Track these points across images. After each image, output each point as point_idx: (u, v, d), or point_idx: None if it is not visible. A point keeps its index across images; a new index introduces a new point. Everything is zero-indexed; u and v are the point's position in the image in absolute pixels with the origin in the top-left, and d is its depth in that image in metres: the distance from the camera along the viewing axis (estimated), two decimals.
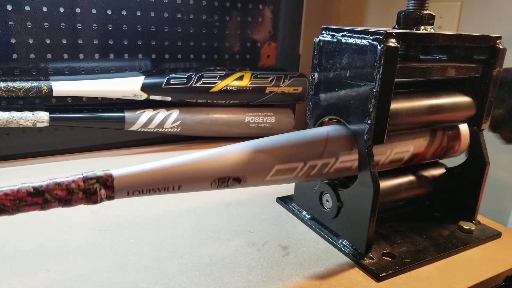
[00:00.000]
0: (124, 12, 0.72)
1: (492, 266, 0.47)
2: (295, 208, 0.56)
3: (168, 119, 0.75)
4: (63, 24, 0.68)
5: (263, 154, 0.41)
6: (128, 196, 0.34)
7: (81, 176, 0.32)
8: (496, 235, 0.52)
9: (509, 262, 0.48)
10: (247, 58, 0.86)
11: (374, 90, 0.41)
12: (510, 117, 0.50)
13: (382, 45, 0.40)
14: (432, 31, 0.48)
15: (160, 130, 0.75)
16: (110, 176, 0.33)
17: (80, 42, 0.70)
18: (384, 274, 0.43)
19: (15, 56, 0.66)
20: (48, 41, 0.67)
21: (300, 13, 0.90)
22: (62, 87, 0.67)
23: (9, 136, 0.68)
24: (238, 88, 0.79)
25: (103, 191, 0.32)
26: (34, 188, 0.30)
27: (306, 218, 0.53)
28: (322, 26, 0.48)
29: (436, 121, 0.51)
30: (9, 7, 0.63)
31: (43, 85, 0.65)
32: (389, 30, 0.42)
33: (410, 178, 0.54)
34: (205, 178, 0.37)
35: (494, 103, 0.52)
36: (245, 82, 0.79)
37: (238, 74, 0.79)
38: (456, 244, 0.50)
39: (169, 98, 0.75)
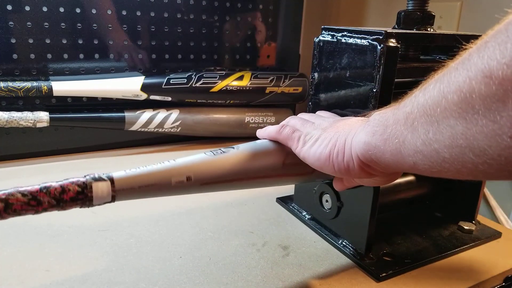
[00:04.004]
0: (124, 12, 0.72)
1: (492, 266, 0.47)
2: (295, 208, 0.56)
3: (168, 119, 0.75)
4: (63, 24, 0.68)
5: (266, 153, 0.41)
6: (129, 198, 0.34)
7: (83, 178, 0.32)
8: (496, 235, 0.52)
9: (509, 262, 0.47)
10: (247, 58, 0.86)
11: (374, 90, 0.41)
12: None
13: (382, 45, 0.40)
14: (432, 31, 0.48)
15: (160, 130, 0.75)
16: (111, 178, 0.33)
17: (80, 42, 0.70)
18: (384, 274, 0.43)
19: (15, 56, 0.66)
20: (48, 41, 0.67)
21: (300, 13, 0.90)
22: (62, 87, 0.67)
23: (9, 136, 0.68)
24: (238, 88, 0.79)
25: (104, 194, 0.32)
26: (30, 192, 0.29)
27: (306, 218, 0.53)
28: (322, 26, 0.48)
29: None
30: (9, 7, 0.63)
31: (43, 85, 0.65)
32: (389, 30, 0.42)
33: (410, 178, 0.54)
34: (210, 176, 0.37)
35: None
36: (245, 82, 0.79)
37: (238, 74, 0.79)
38: (456, 244, 0.50)
39: (169, 98, 0.75)
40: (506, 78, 0.20)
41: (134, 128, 0.73)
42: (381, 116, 0.31)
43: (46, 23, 0.66)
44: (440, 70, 0.26)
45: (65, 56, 0.69)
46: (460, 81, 0.23)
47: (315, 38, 0.49)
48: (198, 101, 0.77)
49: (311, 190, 0.52)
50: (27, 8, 0.64)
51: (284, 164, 0.41)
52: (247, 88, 0.79)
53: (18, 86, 0.64)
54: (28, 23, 0.65)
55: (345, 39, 0.45)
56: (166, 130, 0.76)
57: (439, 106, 0.24)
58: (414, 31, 0.48)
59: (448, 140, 0.24)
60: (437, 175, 0.27)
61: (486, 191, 0.65)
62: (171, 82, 0.74)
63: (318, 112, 0.47)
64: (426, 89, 0.26)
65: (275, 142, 0.42)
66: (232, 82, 0.78)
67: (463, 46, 0.24)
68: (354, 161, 0.34)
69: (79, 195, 0.31)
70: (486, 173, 0.23)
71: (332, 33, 0.47)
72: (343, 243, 0.48)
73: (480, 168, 0.23)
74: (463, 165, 0.24)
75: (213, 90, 0.77)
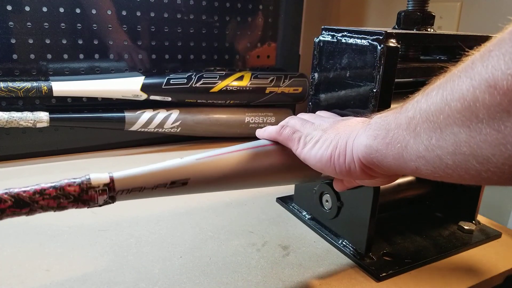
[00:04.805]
0: (124, 12, 0.72)
1: (492, 266, 0.47)
2: (295, 208, 0.56)
3: (168, 119, 0.75)
4: (63, 24, 0.68)
5: (266, 154, 0.41)
6: (130, 198, 0.34)
7: (83, 178, 0.32)
8: (496, 235, 0.52)
9: (509, 262, 0.48)
10: (247, 58, 0.86)
11: (374, 90, 0.41)
12: None
13: (382, 45, 0.40)
14: (432, 31, 0.48)
15: (160, 130, 0.75)
16: (111, 177, 0.33)
17: (80, 42, 0.70)
18: (384, 274, 0.43)
19: (15, 56, 0.66)
20: (48, 41, 0.67)
21: (300, 13, 0.90)
22: (62, 87, 0.67)
23: (9, 136, 0.68)
24: (238, 88, 0.79)
25: (104, 194, 0.32)
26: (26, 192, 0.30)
27: (306, 218, 0.53)
28: (322, 27, 0.48)
29: None
30: (9, 7, 0.63)
31: (43, 85, 0.65)
32: (389, 30, 0.42)
33: (410, 178, 0.54)
34: (210, 176, 0.37)
35: None
36: (245, 82, 0.79)
37: (238, 74, 0.79)
38: (456, 244, 0.50)
39: (169, 98, 0.75)
40: (510, 88, 0.20)
41: (134, 128, 0.73)
42: (382, 120, 0.31)
43: (46, 23, 0.66)
44: (442, 76, 0.26)
45: (65, 56, 0.69)
46: (463, 89, 0.23)
47: (315, 38, 0.49)
48: (198, 101, 0.77)
49: (311, 190, 0.52)
50: (27, 8, 0.64)
51: (284, 164, 0.41)
52: (247, 88, 0.79)
53: (18, 86, 0.64)
54: (28, 23, 0.65)
55: (345, 39, 0.45)
56: (166, 130, 0.76)
57: (442, 113, 0.24)
58: (414, 31, 0.48)
59: (452, 147, 0.24)
60: (440, 179, 0.27)
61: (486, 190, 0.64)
62: (171, 82, 0.74)
63: (318, 112, 0.47)
64: (428, 95, 0.26)
65: (275, 142, 0.42)
66: (232, 82, 0.78)
67: (466, 52, 0.24)
68: (355, 164, 0.34)
69: (81, 196, 0.31)
70: (489, 180, 0.23)
71: (332, 33, 0.47)
72: (343, 243, 0.48)
73: (483, 176, 0.23)
74: (466, 172, 0.24)
75: (213, 90, 0.77)
